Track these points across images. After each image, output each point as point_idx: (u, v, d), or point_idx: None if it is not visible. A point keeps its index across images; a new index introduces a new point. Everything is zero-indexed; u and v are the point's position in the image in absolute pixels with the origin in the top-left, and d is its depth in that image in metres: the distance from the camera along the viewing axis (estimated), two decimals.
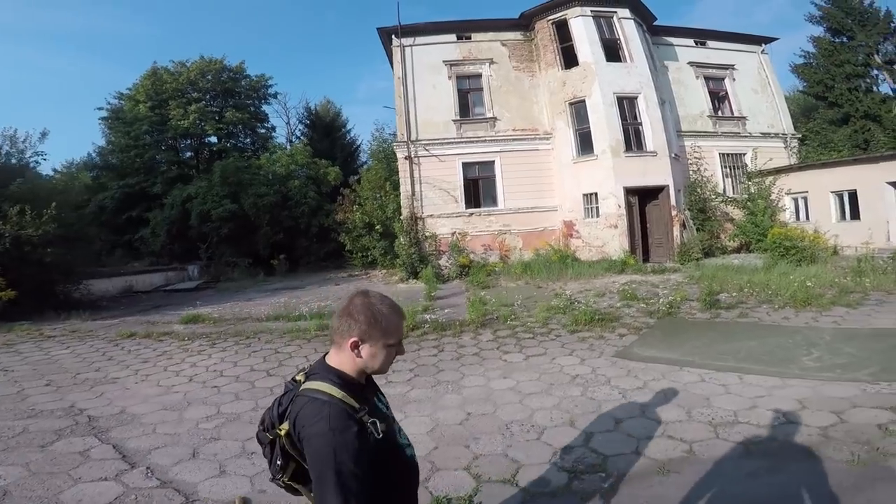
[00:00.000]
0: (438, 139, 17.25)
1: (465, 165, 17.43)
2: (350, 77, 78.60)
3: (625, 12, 16.85)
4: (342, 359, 1.45)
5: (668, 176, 15.69)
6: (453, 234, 16.75)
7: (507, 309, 9.24)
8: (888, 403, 4.17)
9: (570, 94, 16.78)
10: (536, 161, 17.77)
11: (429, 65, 17.72)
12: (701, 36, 19.92)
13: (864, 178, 13.60)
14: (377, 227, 17.20)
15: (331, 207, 21.23)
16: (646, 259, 15.71)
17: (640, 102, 16.05)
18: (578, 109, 16.74)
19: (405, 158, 17.02)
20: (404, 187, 17.02)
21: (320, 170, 24.31)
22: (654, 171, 15.70)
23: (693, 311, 8.67)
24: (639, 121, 16.14)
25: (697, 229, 15.96)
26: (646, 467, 3.47)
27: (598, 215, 16.07)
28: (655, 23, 18.54)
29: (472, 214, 17.25)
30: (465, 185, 17.31)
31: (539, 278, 13.47)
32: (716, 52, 19.67)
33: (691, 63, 19.22)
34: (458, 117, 17.68)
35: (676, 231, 15.54)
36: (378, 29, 18.33)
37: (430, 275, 14.12)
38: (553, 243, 16.87)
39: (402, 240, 15.81)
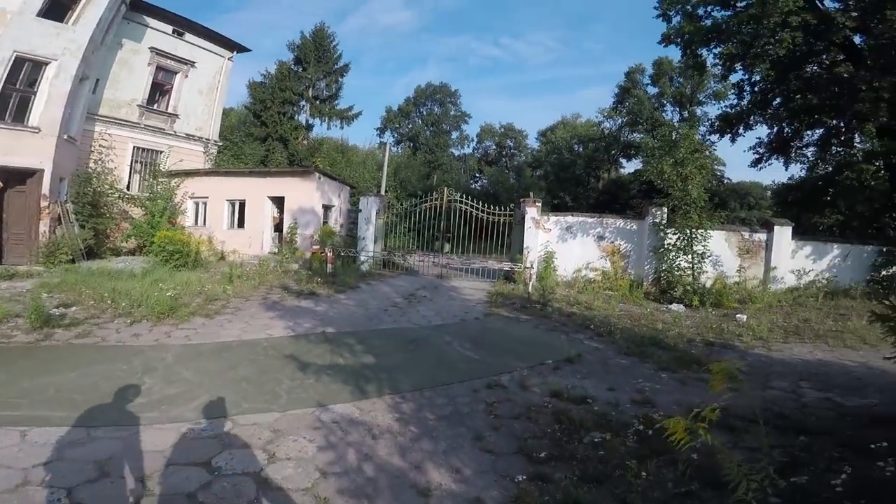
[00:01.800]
0: None
1: None
2: None
3: None
4: None
5: (47, 159, 12.35)
6: None
7: None
8: (205, 455, 3.55)
9: None
10: None
11: None
12: (184, 26, 18.02)
13: (254, 190, 15.27)
14: None
15: None
16: None
17: (51, 70, 12.68)
18: None
19: None
20: None
21: None
22: (29, 149, 12.09)
23: (16, 331, 6.26)
24: (34, 89, 12.57)
25: (81, 226, 12.96)
26: None
27: None
28: None
29: None
30: None
31: None
32: (186, 46, 18.18)
33: (153, 49, 17.04)
34: None
35: (45, 226, 11.93)
36: None
37: None
38: None
39: None
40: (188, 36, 18.26)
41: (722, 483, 2.50)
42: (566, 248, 13.95)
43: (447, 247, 14.75)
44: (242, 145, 25.12)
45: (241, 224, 15.60)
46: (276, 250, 14.51)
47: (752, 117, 18.09)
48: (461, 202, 13.21)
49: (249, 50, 20.80)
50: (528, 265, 12.17)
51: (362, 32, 79.30)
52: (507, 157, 53.96)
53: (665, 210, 13.30)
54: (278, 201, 15.13)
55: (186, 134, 18.64)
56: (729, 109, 18.92)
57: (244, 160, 24.11)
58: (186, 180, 15.93)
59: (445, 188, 13.42)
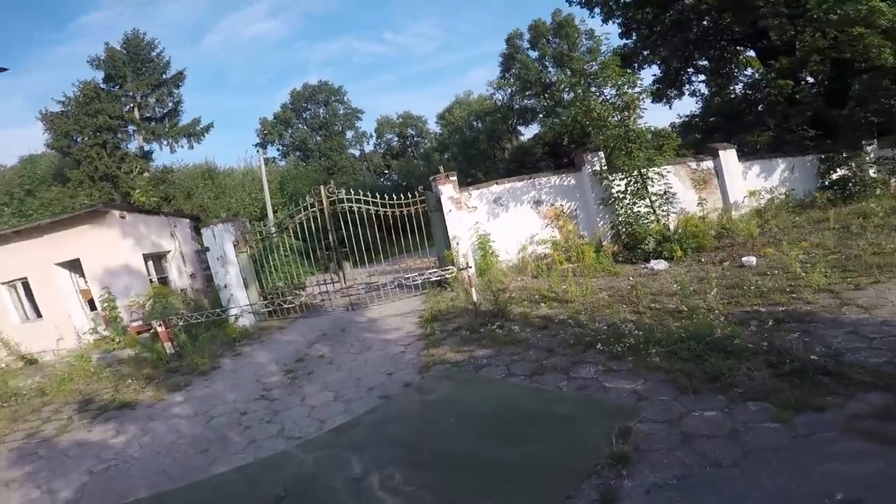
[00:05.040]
0: None
1: None
2: None
3: None
4: None
5: None
6: None
7: None
8: None
9: None
10: None
11: None
12: None
13: (34, 260, 10.14)
14: None
15: None
16: None
17: None
18: None
19: None
20: None
21: None
22: None
23: None
24: None
25: None
26: None
27: None
28: None
29: None
30: None
31: None
32: None
33: None
34: None
35: None
36: None
37: None
38: None
39: None
40: None
41: None
42: (501, 224, 10.80)
43: (347, 265, 10.61)
44: (26, 197, 18.34)
45: (38, 313, 10.51)
46: (106, 335, 9.84)
47: (643, 54, 18.04)
48: (349, 200, 9.36)
49: (6, 69, 14.91)
50: (463, 263, 8.72)
51: (225, 48, 71.42)
52: (411, 146, 50.84)
53: (602, 154, 10.95)
54: (75, 266, 10.18)
55: None
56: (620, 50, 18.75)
57: (32, 216, 16.75)
58: None
59: (323, 187, 9.35)
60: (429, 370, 5.35)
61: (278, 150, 44.17)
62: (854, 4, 10.37)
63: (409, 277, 8.19)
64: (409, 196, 9.47)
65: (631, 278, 8.21)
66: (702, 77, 19.20)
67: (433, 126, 47.86)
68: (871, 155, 13.09)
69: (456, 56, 79.41)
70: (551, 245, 10.88)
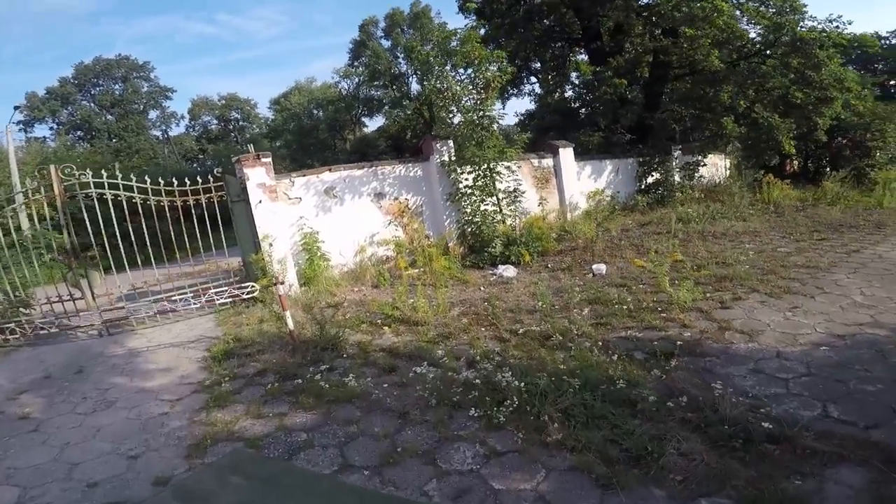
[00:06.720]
0: None
1: None
2: None
3: None
4: None
5: None
6: None
7: None
8: None
9: None
10: None
11: None
12: None
13: None
14: None
15: None
16: None
17: None
18: None
19: None
20: None
21: None
22: None
23: None
24: None
25: None
26: None
27: None
28: None
29: None
30: None
31: None
32: None
33: None
34: None
35: None
36: None
37: None
38: None
39: None
40: None
41: None
42: (334, 221, 8.81)
43: (97, 274, 7.18)
44: None
45: None
46: None
47: (497, 41, 17.03)
48: (98, 185, 6.07)
49: None
50: (278, 271, 6.56)
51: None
52: (235, 130, 44.94)
53: (451, 143, 9.78)
54: None
55: None
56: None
57: None
58: None
59: (54, 167, 5.99)
60: (205, 451, 3.26)
61: (51, 129, 35.52)
62: (700, 2, 10.86)
63: (178, 298, 5.70)
64: (202, 182, 6.84)
65: (482, 288, 7.13)
66: (537, 78, 19.54)
67: (265, 111, 43.19)
68: (677, 160, 14.17)
69: (301, 44, 73.85)
70: (394, 247, 9.35)
